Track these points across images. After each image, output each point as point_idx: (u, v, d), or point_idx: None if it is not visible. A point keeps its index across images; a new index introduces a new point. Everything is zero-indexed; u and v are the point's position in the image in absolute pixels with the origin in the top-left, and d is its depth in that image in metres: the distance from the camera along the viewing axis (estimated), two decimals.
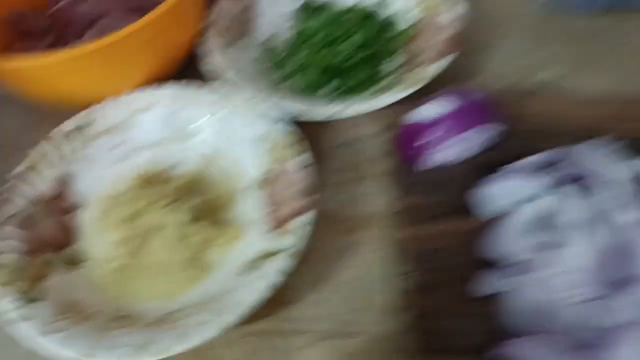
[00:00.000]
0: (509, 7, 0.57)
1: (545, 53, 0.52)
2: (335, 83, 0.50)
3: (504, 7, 0.57)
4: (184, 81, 0.47)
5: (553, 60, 0.51)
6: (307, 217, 0.38)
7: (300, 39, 0.53)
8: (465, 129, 0.40)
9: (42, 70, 0.43)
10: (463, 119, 0.40)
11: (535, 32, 0.55)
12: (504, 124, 0.42)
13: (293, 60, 0.52)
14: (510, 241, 0.36)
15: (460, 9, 0.50)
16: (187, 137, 0.46)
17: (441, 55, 0.47)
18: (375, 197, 0.44)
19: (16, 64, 0.43)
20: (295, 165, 0.41)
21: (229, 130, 0.45)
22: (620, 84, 0.48)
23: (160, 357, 0.33)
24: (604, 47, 0.52)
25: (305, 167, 0.41)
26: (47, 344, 0.34)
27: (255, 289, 0.35)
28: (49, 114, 0.51)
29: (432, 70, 0.46)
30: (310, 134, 0.45)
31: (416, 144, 0.41)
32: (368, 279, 0.40)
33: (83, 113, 0.45)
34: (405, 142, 0.42)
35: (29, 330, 0.35)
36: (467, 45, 0.51)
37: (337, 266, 0.41)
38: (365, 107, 0.44)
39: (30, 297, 0.36)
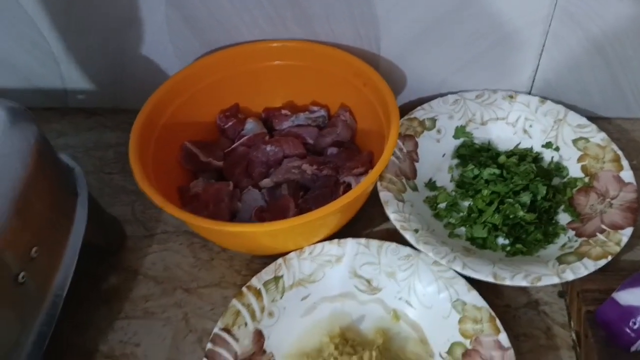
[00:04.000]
0: None
1: None
2: (507, 239, 0.50)
3: None
4: (363, 239, 0.48)
5: None
6: None
7: (464, 187, 0.54)
8: None
9: (246, 235, 0.45)
10: None
11: None
12: None
13: (457, 209, 0.53)
14: None
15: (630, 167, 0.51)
16: (372, 290, 0.47)
17: (626, 222, 0.47)
18: None
19: (226, 229, 0.44)
20: (492, 343, 0.41)
21: (416, 289, 0.46)
22: None
23: None
24: None
25: (505, 348, 0.41)
26: None
27: None
28: (218, 251, 0.53)
29: (619, 240, 0.46)
30: (487, 289, 0.45)
31: (624, 326, 0.41)
32: None
33: (274, 265, 0.47)
34: (612, 322, 0.42)
35: None
36: None
37: None
38: (559, 278, 0.44)
39: None
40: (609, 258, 0.45)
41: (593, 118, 0.57)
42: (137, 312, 0.49)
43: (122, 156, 0.59)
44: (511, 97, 0.58)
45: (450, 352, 0.43)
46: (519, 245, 0.50)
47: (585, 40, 0.54)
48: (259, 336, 0.44)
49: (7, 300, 0.37)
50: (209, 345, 0.42)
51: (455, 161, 0.57)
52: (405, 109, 0.58)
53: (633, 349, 0.41)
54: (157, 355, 0.46)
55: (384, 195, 0.50)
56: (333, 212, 0.43)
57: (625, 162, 0.52)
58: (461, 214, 0.53)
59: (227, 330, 0.43)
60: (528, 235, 0.50)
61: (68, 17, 0.57)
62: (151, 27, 0.57)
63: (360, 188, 0.44)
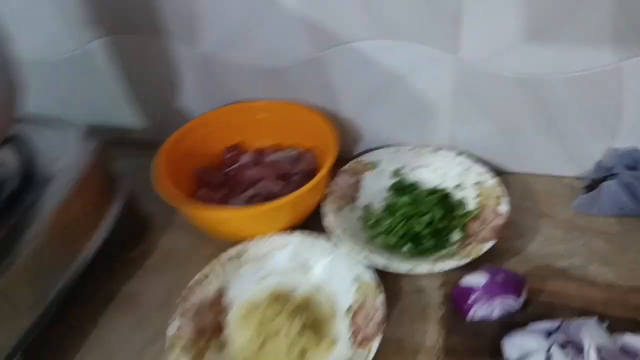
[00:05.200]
0: (552, 201, 0.76)
1: (573, 244, 0.70)
2: (410, 246, 0.70)
3: (547, 201, 0.76)
4: (307, 231, 0.69)
5: (577, 251, 0.69)
6: (378, 340, 0.57)
7: (389, 210, 0.74)
8: (498, 296, 0.58)
9: (222, 218, 0.68)
10: (497, 289, 0.58)
11: (569, 226, 0.73)
12: (526, 296, 0.59)
13: (381, 225, 0.73)
14: None
15: (507, 204, 0.70)
16: (305, 271, 0.67)
17: (490, 237, 0.66)
18: (432, 333, 0.61)
19: (209, 213, 0.67)
20: (375, 302, 0.60)
21: (334, 270, 0.66)
22: (624, 278, 0.64)
23: None
24: (618, 246, 0.69)
25: (381, 305, 0.60)
26: None
27: None
28: (210, 240, 0.75)
29: (481, 248, 0.65)
30: (391, 280, 0.65)
31: (464, 301, 0.59)
32: None
33: (239, 246, 0.68)
34: (457, 298, 0.60)
35: None
36: (513, 230, 0.70)
37: None
38: (431, 268, 0.63)
39: None
40: (469, 258, 0.64)
41: (503, 172, 0.77)
42: (152, 269, 0.72)
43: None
44: (435, 151, 0.79)
45: (348, 311, 0.62)
46: (416, 251, 0.69)
47: (482, 113, 0.75)
48: (221, 290, 0.65)
49: (59, 239, 0.60)
50: (185, 291, 0.64)
51: (390, 193, 0.78)
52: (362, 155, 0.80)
53: (468, 318, 0.59)
54: (160, 296, 0.68)
55: (325, 209, 0.72)
56: (277, 206, 0.65)
57: (504, 199, 0.71)
58: (383, 228, 0.73)
59: (199, 281, 0.65)
60: (424, 244, 0.69)
61: (132, 75, 0.85)
62: (185, 87, 0.84)
63: (295, 194, 0.66)
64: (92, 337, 0.66)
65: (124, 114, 0.91)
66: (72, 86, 0.88)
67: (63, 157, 0.63)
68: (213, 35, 0.76)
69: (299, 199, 0.68)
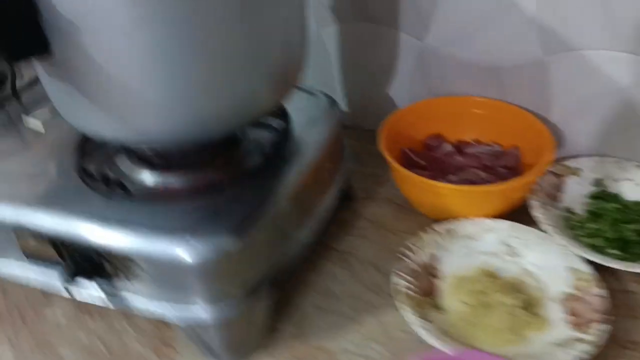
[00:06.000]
0: None
1: None
2: (617, 251, 0.72)
3: None
4: (511, 222, 0.73)
5: None
6: (601, 326, 0.59)
7: (593, 215, 0.76)
8: None
9: (430, 190, 0.74)
10: None
11: None
12: None
13: (586, 228, 0.75)
14: None
15: None
16: (513, 255, 0.71)
17: None
18: None
19: (427, 184, 0.73)
20: (593, 292, 0.63)
21: (544, 258, 0.69)
22: None
23: None
24: None
25: (601, 294, 0.62)
26: (429, 339, 0.59)
27: None
28: (413, 212, 0.81)
29: None
30: (605, 275, 0.67)
31: None
32: None
33: (449, 222, 0.73)
34: None
35: (423, 333, 0.60)
36: None
37: None
38: (634, 268, 0.65)
39: (422, 317, 0.63)
40: None
41: None
42: (358, 233, 0.79)
43: (356, 154, 0.90)
44: (639, 166, 0.80)
45: (562, 297, 0.65)
46: (623, 256, 0.71)
47: None
48: (434, 257, 0.71)
49: (308, 189, 0.68)
50: (405, 251, 0.70)
51: (591, 200, 0.80)
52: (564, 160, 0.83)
53: None
54: (368, 256, 0.75)
55: (532, 203, 0.75)
56: (492, 191, 0.71)
57: None
58: (589, 231, 0.75)
59: (416, 245, 0.71)
60: (632, 250, 0.71)
61: (350, 60, 0.94)
62: (396, 75, 0.91)
63: (511, 182, 0.71)
64: (312, 281, 0.73)
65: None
66: None
67: (316, 120, 0.72)
68: (440, 32, 0.83)
69: (512, 189, 0.72)
